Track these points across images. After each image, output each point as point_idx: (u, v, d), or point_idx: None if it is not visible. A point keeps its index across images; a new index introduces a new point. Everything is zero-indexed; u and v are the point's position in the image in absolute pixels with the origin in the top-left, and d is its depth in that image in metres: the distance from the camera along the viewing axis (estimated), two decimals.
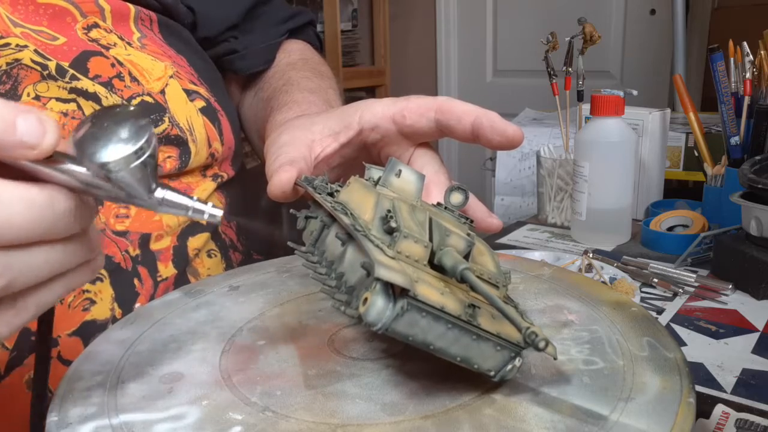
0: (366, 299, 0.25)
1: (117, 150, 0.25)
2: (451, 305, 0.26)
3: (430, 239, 0.30)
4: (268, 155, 0.45)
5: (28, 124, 0.24)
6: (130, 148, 0.25)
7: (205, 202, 0.28)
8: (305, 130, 0.46)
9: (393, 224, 0.29)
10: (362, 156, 0.47)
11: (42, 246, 0.26)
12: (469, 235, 0.31)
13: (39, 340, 0.32)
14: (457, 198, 0.37)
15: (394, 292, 0.25)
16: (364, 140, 0.46)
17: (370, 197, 0.32)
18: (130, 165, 0.25)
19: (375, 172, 0.37)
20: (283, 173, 0.41)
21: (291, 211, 0.39)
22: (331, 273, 0.32)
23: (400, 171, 0.36)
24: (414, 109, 0.44)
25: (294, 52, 0.71)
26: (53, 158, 0.25)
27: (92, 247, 0.28)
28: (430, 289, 0.26)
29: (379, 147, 0.47)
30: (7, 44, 0.45)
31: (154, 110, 0.51)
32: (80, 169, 0.25)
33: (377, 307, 0.25)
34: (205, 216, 0.28)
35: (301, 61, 0.69)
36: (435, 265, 0.29)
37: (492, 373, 0.28)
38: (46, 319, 0.31)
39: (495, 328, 0.27)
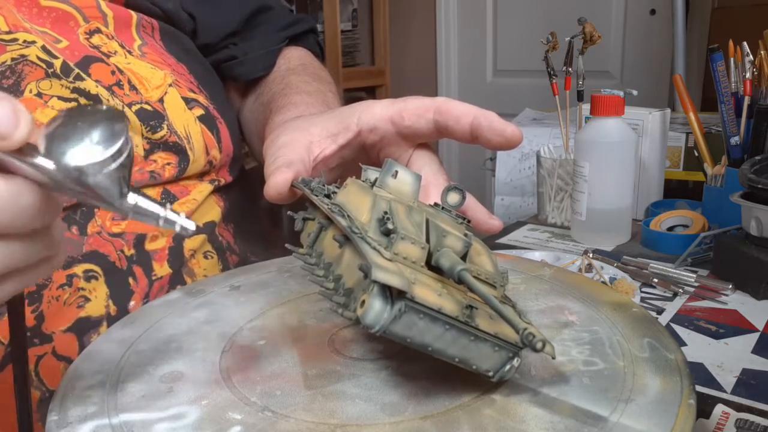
0: (363, 301, 0.25)
1: (89, 153, 0.24)
2: (448, 306, 0.26)
3: (427, 240, 0.30)
4: (266, 156, 0.45)
5: (1, 114, 0.23)
6: (103, 153, 0.24)
7: (178, 213, 0.26)
8: (304, 132, 0.46)
9: (390, 226, 0.29)
10: (361, 157, 0.47)
11: (1, 241, 0.25)
12: (466, 235, 0.31)
13: (12, 341, 0.30)
14: (454, 198, 0.37)
15: (392, 294, 0.25)
16: (363, 142, 0.46)
17: (367, 199, 0.32)
18: (103, 170, 0.24)
19: (372, 173, 0.37)
20: (279, 175, 0.41)
21: (288, 213, 0.39)
22: (329, 275, 0.32)
23: (396, 172, 0.36)
24: (412, 110, 0.44)
25: (294, 58, 0.72)
26: (24, 150, 0.24)
27: (53, 244, 0.27)
28: (428, 291, 0.26)
29: (378, 148, 0.47)
30: (15, 39, 0.46)
31: (152, 118, 0.51)
32: (51, 165, 0.24)
33: (375, 310, 0.25)
34: (177, 227, 0.26)
35: (301, 67, 0.70)
36: (432, 266, 0.29)
37: (490, 374, 0.28)
38: (17, 323, 0.30)
39: (493, 329, 0.27)
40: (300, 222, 0.38)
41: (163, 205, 0.26)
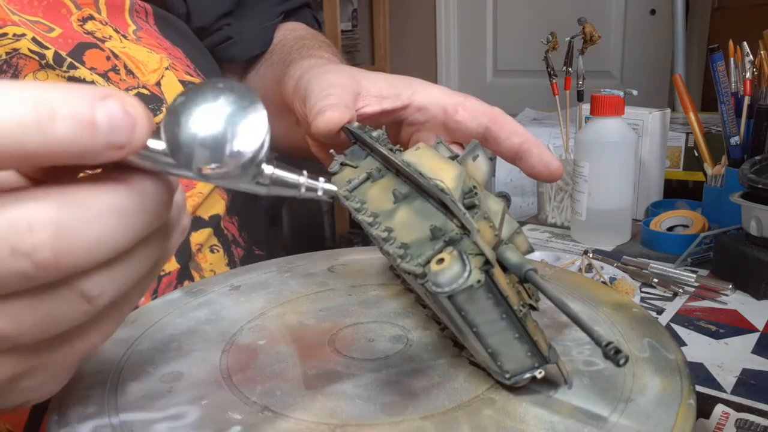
0: (442, 259, 0.25)
1: (239, 160, 0.20)
2: (512, 297, 0.26)
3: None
4: (311, 91, 0.43)
5: (112, 118, 0.18)
6: (252, 153, 0.20)
7: (316, 177, 0.23)
8: (352, 80, 0.44)
9: (476, 201, 0.28)
10: (391, 131, 0.46)
11: (136, 251, 0.21)
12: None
13: None
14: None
15: (469, 263, 0.25)
16: (405, 117, 0.45)
17: (451, 168, 0.30)
18: (250, 168, 0.20)
19: (443, 149, 0.36)
20: (335, 111, 0.39)
21: (330, 151, 0.38)
22: (376, 224, 0.31)
23: (477, 156, 0.34)
24: (470, 108, 0.43)
25: (299, 29, 0.71)
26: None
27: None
28: (501, 275, 0.26)
29: (414, 129, 0.46)
30: (5, 34, 0.45)
31: (151, 101, 0.51)
32: (189, 172, 0.20)
33: (453, 271, 0.24)
34: (319, 192, 0.23)
35: (311, 35, 0.68)
36: None
37: (508, 376, 0.27)
38: None
39: (535, 336, 0.27)
40: (336, 165, 0.37)
41: (299, 171, 0.23)
